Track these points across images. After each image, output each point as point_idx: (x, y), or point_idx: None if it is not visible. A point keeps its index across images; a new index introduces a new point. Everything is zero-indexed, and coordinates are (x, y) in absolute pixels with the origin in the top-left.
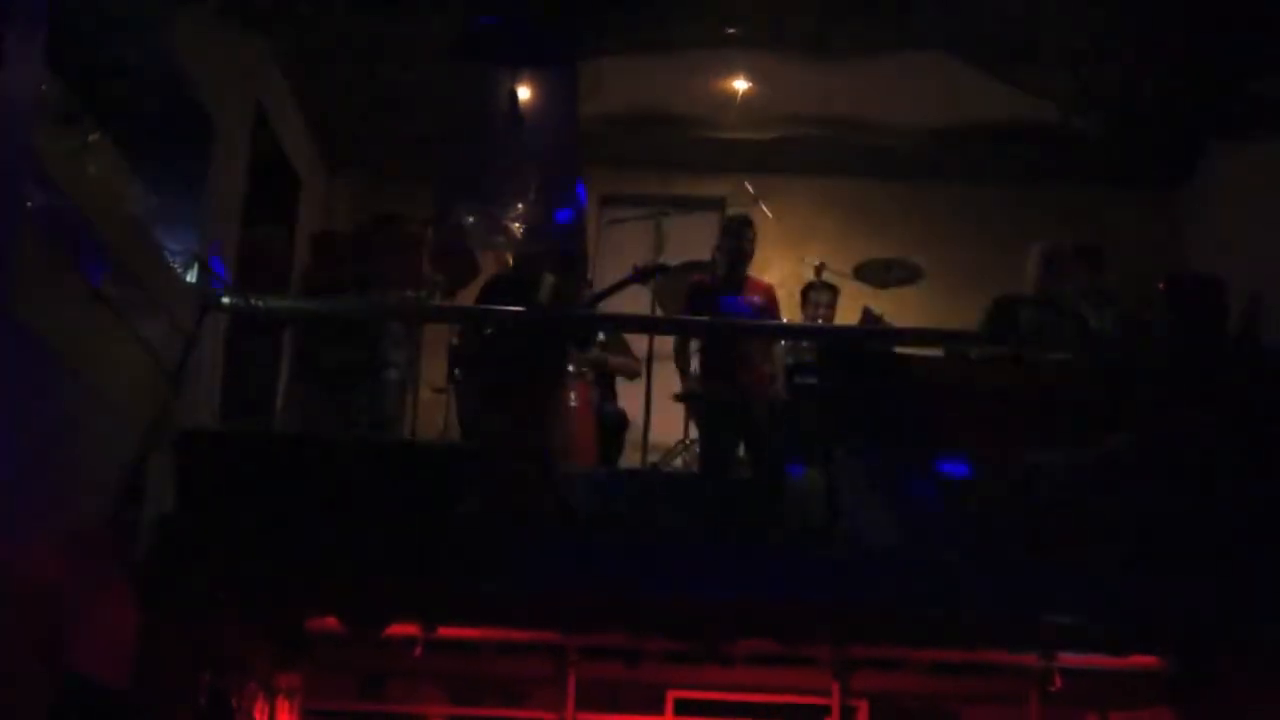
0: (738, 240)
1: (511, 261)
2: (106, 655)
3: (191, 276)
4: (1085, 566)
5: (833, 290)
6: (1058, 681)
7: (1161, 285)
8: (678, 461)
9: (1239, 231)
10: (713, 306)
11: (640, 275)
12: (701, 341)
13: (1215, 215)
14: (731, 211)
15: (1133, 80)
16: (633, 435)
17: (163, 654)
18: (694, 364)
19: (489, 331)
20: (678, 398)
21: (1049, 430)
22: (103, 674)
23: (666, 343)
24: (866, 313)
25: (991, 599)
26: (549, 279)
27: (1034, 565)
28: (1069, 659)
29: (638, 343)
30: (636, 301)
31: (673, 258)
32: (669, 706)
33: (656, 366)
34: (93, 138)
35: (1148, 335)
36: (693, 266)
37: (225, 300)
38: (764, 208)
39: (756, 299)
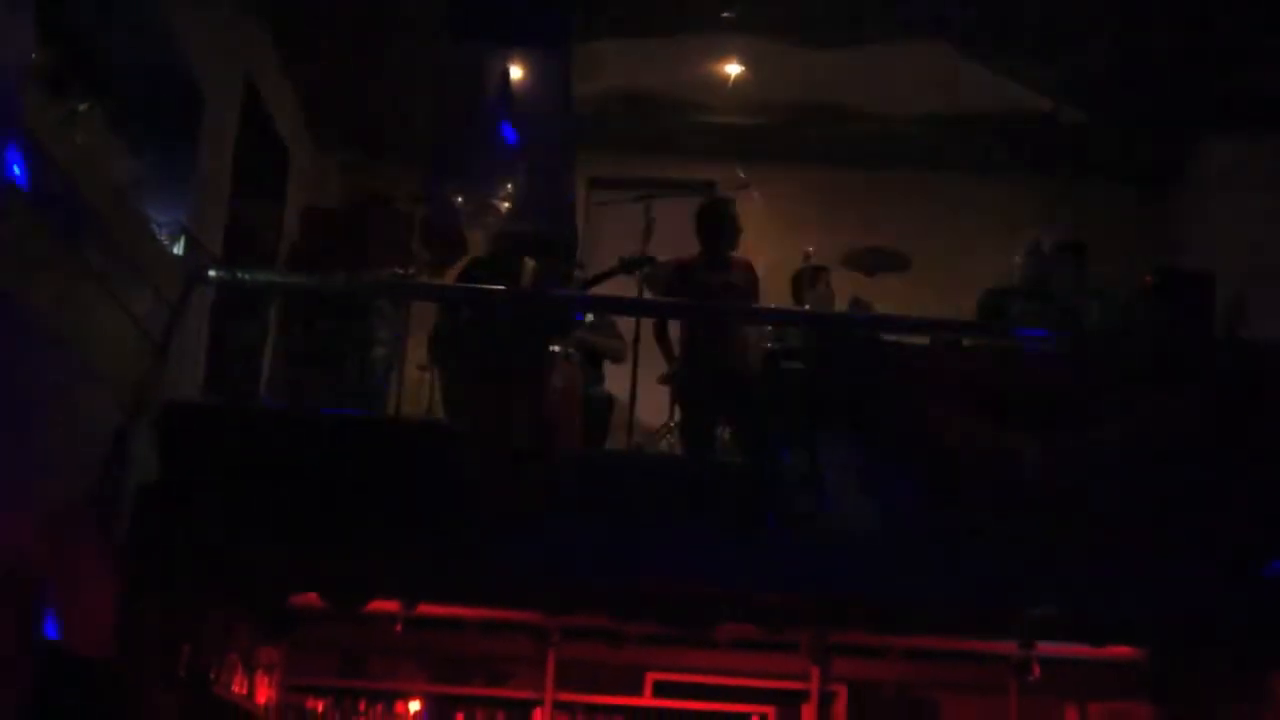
0: (722, 221)
1: (490, 245)
2: (87, 627)
3: (178, 249)
4: (1064, 556)
5: (827, 272)
6: (1036, 671)
7: (1149, 278)
8: (663, 444)
9: (1228, 225)
10: (694, 287)
11: (627, 266)
12: (683, 324)
13: (1205, 209)
14: (716, 193)
15: (1124, 72)
16: (618, 417)
17: (143, 626)
18: (676, 346)
19: (465, 315)
20: (664, 380)
21: (1033, 420)
22: (83, 646)
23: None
24: (854, 300)
25: (971, 587)
26: (529, 264)
27: (1014, 554)
28: (1048, 648)
29: (624, 327)
30: (624, 289)
31: (661, 241)
32: (648, 688)
33: (642, 349)
34: (81, 108)
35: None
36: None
37: (211, 273)
38: (754, 193)
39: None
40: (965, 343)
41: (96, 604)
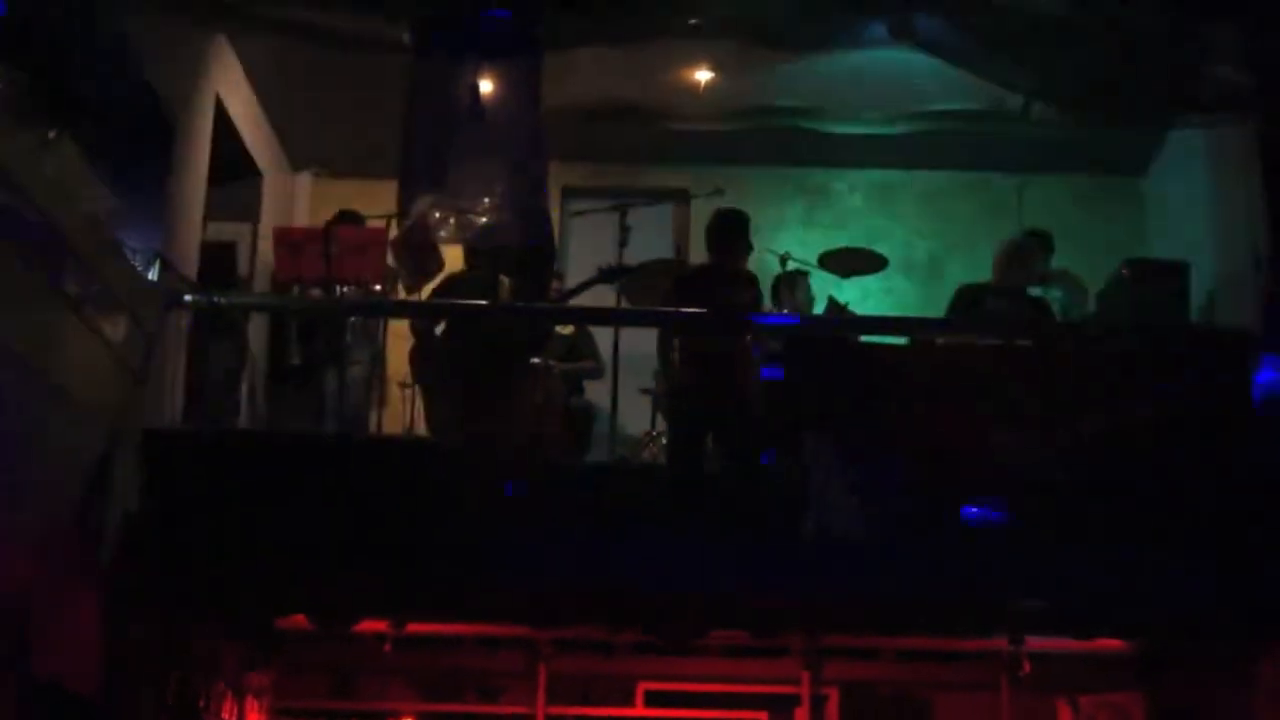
0: (735, 232)
1: (466, 262)
2: (73, 657)
3: (153, 274)
4: (1051, 551)
5: (807, 276)
6: (1027, 666)
7: (1125, 270)
8: (645, 453)
9: (1200, 216)
10: (701, 297)
11: (606, 276)
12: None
13: (1177, 200)
14: (724, 205)
15: (1094, 68)
16: (600, 428)
17: (130, 655)
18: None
19: (439, 331)
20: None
21: (1013, 415)
22: (69, 676)
23: (631, 335)
24: (831, 302)
25: (959, 585)
26: (505, 281)
27: (1000, 551)
28: (1037, 644)
29: (603, 337)
30: (603, 297)
31: (636, 249)
32: (640, 698)
33: (622, 360)
34: (52, 135)
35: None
36: (658, 264)
37: (187, 298)
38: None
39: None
40: (939, 340)
41: (83, 634)
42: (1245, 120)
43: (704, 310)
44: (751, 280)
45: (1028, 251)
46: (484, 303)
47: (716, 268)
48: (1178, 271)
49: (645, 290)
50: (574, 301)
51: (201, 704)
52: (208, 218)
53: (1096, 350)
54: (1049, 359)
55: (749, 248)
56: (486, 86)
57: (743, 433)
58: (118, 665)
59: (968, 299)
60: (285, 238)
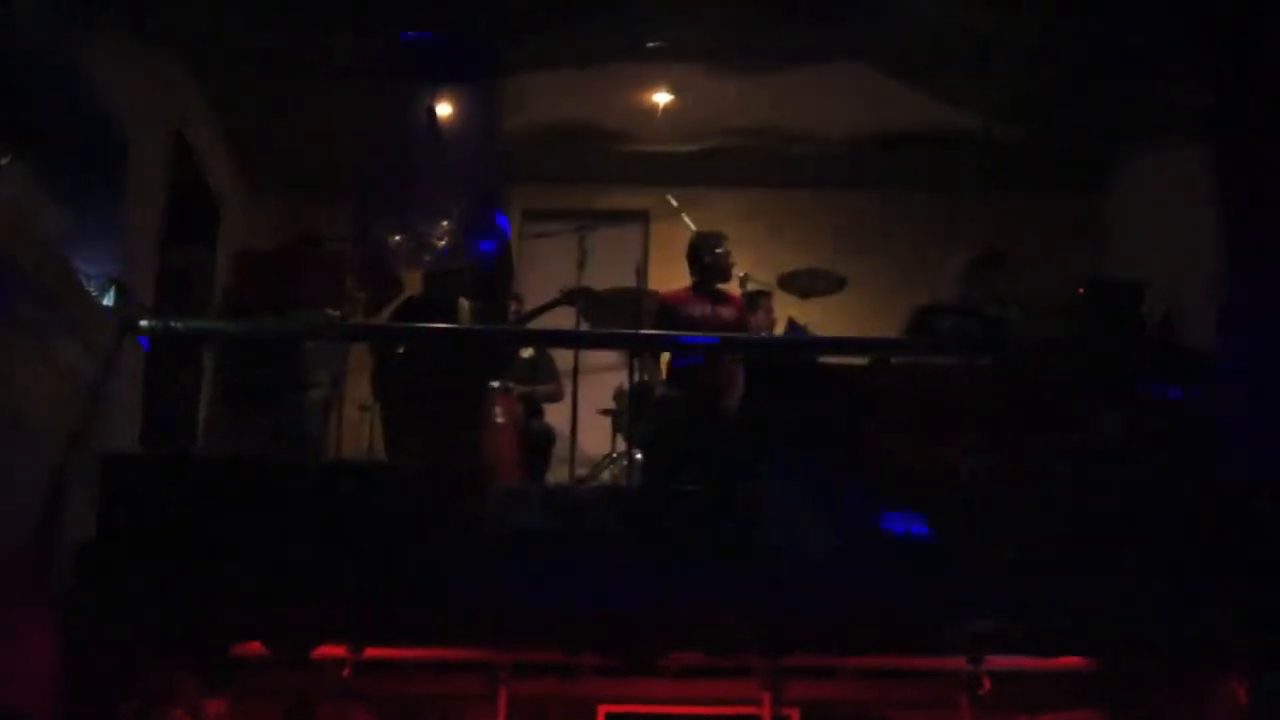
0: (714, 254)
1: (424, 285)
2: (27, 686)
3: (108, 299)
4: (1008, 569)
5: (769, 296)
6: (987, 685)
7: (1081, 290)
8: (605, 475)
9: (1157, 237)
10: (683, 319)
11: (567, 298)
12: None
13: (1134, 221)
14: (704, 228)
15: (1052, 88)
16: (559, 450)
17: (85, 683)
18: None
19: (400, 351)
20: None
21: (970, 434)
22: (22, 705)
23: (590, 358)
24: (791, 323)
25: (918, 604)
26: (465, 305)
27: (958, 569)
28: (997, 662)
29: (562, 360)
30: (563, 318)
31: (596, 271)
32: None
33: (581, 381)
34: (5, 160)
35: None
36: (620, 290)
37: (144, 323)
38: (686, 219)
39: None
40: (894, 360)
41: (36, 661)
42: (1203, 140)
43: (670, 333)
44: (735, 301)
45: (984, 270)
46: (445, 326)
47: (698, 290)
48: (1135, 291)
49: (608, 315)
50: (535, 323)
51: None
52: (165, 243)
53: (1053, 370)
54: (1006, 378)
55: (725, 268)
56: (445, 109)
57: (722, 452)
58: (73, 693)
59: (924, 319)
60: (244, 261)
